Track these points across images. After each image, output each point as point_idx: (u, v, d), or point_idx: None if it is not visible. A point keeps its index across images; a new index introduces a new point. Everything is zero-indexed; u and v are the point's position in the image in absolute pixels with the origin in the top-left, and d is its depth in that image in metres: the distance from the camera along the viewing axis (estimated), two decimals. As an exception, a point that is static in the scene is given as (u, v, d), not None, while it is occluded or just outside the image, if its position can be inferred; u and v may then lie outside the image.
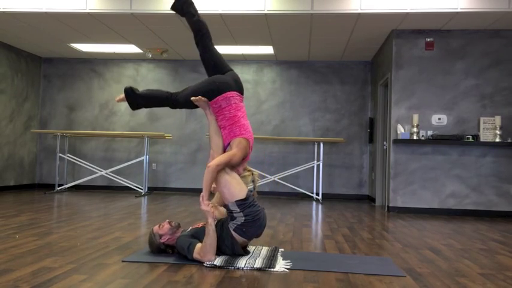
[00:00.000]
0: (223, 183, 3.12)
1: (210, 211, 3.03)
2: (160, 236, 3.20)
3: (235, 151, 3.21)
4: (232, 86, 3.36)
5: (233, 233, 3.10)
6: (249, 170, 3.37)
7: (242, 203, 3.09)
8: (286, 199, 8.06)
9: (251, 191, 3.23)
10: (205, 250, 2.98)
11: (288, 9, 5.91)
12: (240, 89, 3.41)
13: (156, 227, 3.26)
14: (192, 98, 3.31)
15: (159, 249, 3.23)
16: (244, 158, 3.31)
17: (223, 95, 3.31)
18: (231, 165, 3.19)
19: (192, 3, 3.47)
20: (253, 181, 3.34)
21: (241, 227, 3.09)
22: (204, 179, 3.11)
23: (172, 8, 3.49)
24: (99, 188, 8.92)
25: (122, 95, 3.48)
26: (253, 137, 3.39)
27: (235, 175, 3.21)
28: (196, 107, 3.40)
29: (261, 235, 3.27)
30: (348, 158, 8.61)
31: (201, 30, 3.45)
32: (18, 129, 8.58)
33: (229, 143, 3.30)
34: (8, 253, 3.17)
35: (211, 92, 3.32)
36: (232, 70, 3.50)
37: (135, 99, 3.44)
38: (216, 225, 3.13)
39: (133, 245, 3.58)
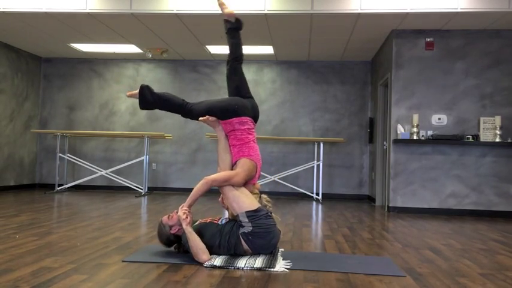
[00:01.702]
0: (232, 198, 3.15)
1: (183, 217, 3.06)
2: (171, 227, 3.19)
3: (238, 171, 3.23)
4: (249, 112, 3.41)
5: (240, 236, 3.12)
6: (256, 193, 3.35)
7: (252, 215, 3.10)
8: (286, 199, 8.06)
9: (269, 212, 3.22)
10: (195, 255, 3.01)
11: (288, 9, 5.91)
12: (255, 117, 3.47)
13: (165, 218, 3.24)
14: (201, 119, 3.36)
15: (168, 240, 3.22)
16: (249, 181, 3.31)
17: (239, 118, 3.35)
18: (230, 185, 3.19)
19: (240, 28, 3.63)
20: (265, 203, 3.32)
21: (247, 235, 3.10)
22: (195, 188, 3.15)
23: (227, 22, 3.63)
24: (99, 188, 8.92)
25: (135, 91, 3.47)
26: (261, 162, 3.41)
27: (244, 190, 3.23)
28: None
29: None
30: (348, 158, 8.61)
31: (238, 54, 3.56)
32: (18, 129, 8.58)
33: (236, 162, 3.32)
34: (8, 253, 3.17)
35: (228, 112, 3.35)
36: (252, 98, 3.53)
37: (150, 98, 3.43)
38: (228, 223, 3.19)
39: (133, 245, 3.57)
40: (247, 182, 3.31)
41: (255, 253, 3.17)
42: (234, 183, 3.19)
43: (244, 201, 3.14)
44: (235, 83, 3.50)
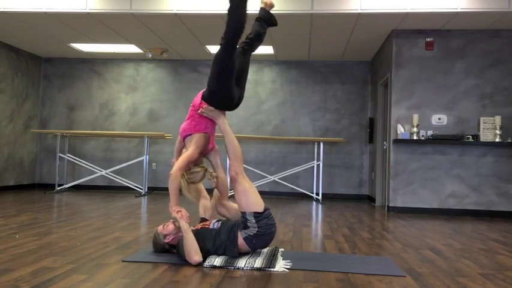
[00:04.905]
0: (242, 191, 3.11)
1: (179, 216, 3.04)
2: (165, 236, 3.21)
3: (191, 151, 3.18)
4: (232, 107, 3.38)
5: (242, 240, 3.09)
6: (202, 166, 3.29)
7: (259, 216, 3.09)
8: (286, 199, 8.06)
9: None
10: (187, 254, 2.97)
11: (288, 9, 5.91)
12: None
13: (160, 227, 3.26)
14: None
15: (163, 249, 3.24)
16: (204, 151, 3.32)
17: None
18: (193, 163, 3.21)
19: (270, 23, 3.61)
20: (209, 178, 3.28)
21: (252, 238, 3.09)
22: (170, 188, 3.06)
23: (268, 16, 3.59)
24: (99, 188, 8.92)
25: None
26: (212, 130, 3.35)
27: (254, 187, 3.20)
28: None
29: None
30: (348, 158, 8.61)
31: (257, 43, 3.54)
32: (18, 129, 8.58)
33: (189, 135, 3.26)
34: (8, 253, 3.17)
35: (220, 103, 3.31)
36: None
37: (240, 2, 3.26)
38: (223, 227, 3.15)
39: (133, 245, 3.58)
40: (204, 152, 3.33)
41: (254, 251, 3.18)
42: (193, 160, 3.18)
43: (254, 198, 3.10)
44: (241, 65, 3.39)
